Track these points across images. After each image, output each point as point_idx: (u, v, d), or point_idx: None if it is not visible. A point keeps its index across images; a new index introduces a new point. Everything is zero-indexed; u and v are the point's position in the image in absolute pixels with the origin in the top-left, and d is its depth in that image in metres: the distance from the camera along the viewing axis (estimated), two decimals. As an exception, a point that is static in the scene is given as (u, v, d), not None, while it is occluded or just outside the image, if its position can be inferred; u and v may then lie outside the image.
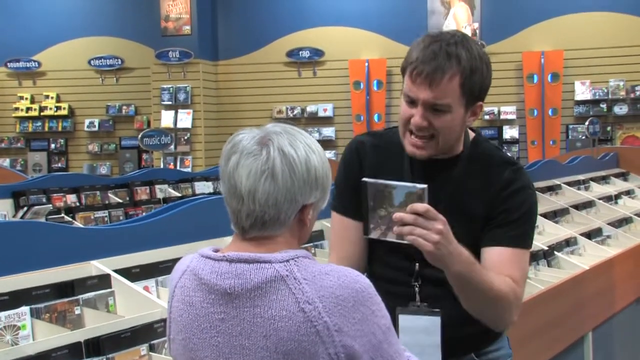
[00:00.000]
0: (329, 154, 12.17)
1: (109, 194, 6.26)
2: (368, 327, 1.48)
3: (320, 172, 1.56)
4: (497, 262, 2.04)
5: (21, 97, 13.94)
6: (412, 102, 2.03)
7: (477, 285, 1.96)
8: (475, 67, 1.99)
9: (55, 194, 5.84)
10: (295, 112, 13.06)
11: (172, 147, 11.86)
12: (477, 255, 2.06)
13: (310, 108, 13.05)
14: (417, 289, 2.10)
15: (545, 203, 5.60)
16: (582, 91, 12.07)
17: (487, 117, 12.34)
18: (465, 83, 1.99)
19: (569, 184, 6.35)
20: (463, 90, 1.99)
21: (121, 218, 5.61)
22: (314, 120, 13.00)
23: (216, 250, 1.59)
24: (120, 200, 6.17)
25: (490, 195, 2.08)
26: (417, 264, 2.09)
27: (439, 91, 1.98)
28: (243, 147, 1.53)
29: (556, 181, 6.23)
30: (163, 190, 6.74)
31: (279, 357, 1.45)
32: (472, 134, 2.19)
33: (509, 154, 11.54)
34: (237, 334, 1.49)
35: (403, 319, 2.07)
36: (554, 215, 5.36)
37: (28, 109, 13.87)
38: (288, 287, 1.47)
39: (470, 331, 2.10)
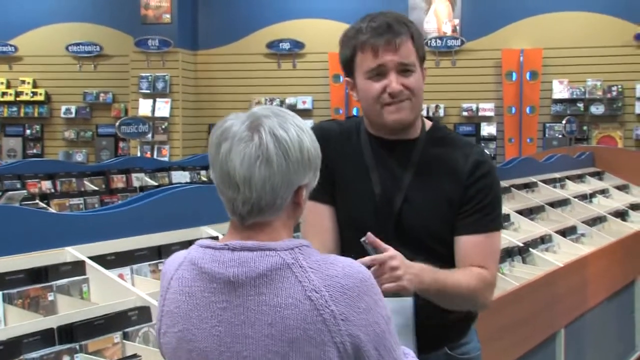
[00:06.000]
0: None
1: (85, 182, 6.22)
2: (372, 317, 1.48)
3: (313, 153, 1.55)
4: (472, 249, 2.13)
5: (-4, 82, 13.80)
6: (379, 75, 2.11)
7: (449, 289, 2.04)
8: (417, 30, 2.15)
9: (30, 180, 5.79)
10: (274, 103, 13.03)
11: (150, 135, 11.80)
12: (444, 232, 2.15)
13: (290, 100, 13.03)
14: None
15: (521, 200, 5.63)
16: (560, 90, 12.15)
17: (465, 113, 12.39)
18: (416, 43, 2.13)
19: (545, 181, 6.39)
20: (417, 50, 2.14)
21: (96, 206, 5.57)
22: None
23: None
24: (96, 188, 6.13)
25: (461, 176, 2.15)
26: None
27: (404, 51, 2.10)
28: (234, 134, 1.51)
29: (532, 179, 6.27)
30: (139, 179, 6.70)
31: (285, 345, 1.44)
32: (428, 122, 2.26)
33: (486, 151, 11.62)
34: (240, 322, 1.47)
35: None
36: (530, 212, 5.39)
37: (3, 93, 13.71)
38: (294, 275, 1.46)
39: (440, 321, 2.12)
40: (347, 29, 2.16)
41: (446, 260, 2.15)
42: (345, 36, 2.14)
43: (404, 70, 2.10)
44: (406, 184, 2.15)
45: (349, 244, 2.20)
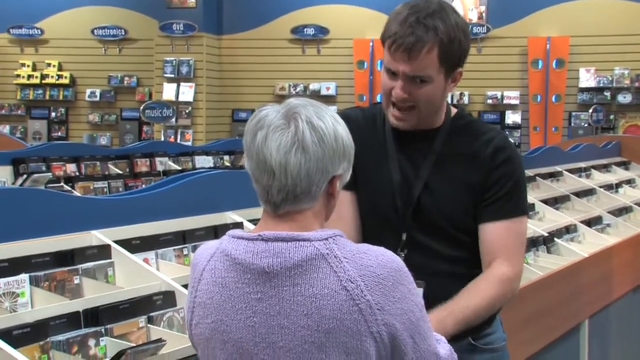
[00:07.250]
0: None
1: (109, 165, 6.25)
2: (407, 305, 1.49)
3: (347, 143, 1.57)
4: (497, 236, 2.11)
5: (23, 64, 13.87)
6: (392, 74, 2.08)
7: (472, 317, 2.02)
8: (453, 37, 2.03)
9: (55, 163, 5.82)
10: (298, 89, 13.01)
11: (174, 120, 11.83)
12: (465, 220, 2.12)
13: (313, 86, 13.00)
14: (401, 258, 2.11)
15: (546, 189, 5.59)
16: (587, 78, 12.02)
17: (490, 101, 12.31)
18: (444, 53, 2.02)
19: (571, 171, 6.33)
20: (442, 61, 2.04)
21: (120, 189, 5.60)
22: (316, 99, 12.67)
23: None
24: (120, 172, 6.15)
25: (482, 163, 2.13)
26: (405, 235, 2.13)
27: (418, 63, 2.02)
28: (269, 122, 1.52)
29: (558, 168, 6.22)
30: (163, 163, 6.72)
31: (321, 335, 1.44)
32: (454, 110, 2.23)
33: (511, 139, 11.52)
34: (275, 313, 1.47)
35: None
36: (555, 202, 5.35)
37: (29, 76, 13.81)
38: (329, 265, 1.46)
39: None
40: (396, 8, 2.08)
41: (468, 248, 2.14)
42: (390, 14, 2.09)
43: (415, 80, 2.05)
44: (426, 173, 2.14)
45: (371, 233, 2.20)
